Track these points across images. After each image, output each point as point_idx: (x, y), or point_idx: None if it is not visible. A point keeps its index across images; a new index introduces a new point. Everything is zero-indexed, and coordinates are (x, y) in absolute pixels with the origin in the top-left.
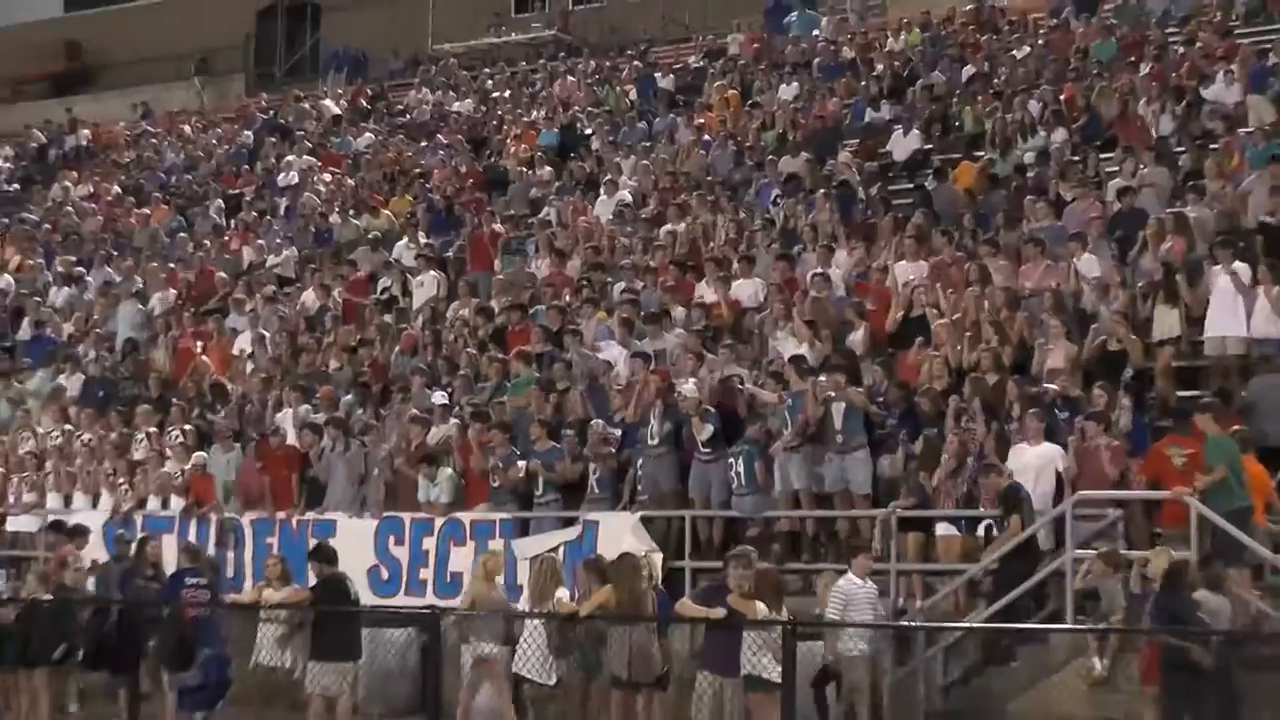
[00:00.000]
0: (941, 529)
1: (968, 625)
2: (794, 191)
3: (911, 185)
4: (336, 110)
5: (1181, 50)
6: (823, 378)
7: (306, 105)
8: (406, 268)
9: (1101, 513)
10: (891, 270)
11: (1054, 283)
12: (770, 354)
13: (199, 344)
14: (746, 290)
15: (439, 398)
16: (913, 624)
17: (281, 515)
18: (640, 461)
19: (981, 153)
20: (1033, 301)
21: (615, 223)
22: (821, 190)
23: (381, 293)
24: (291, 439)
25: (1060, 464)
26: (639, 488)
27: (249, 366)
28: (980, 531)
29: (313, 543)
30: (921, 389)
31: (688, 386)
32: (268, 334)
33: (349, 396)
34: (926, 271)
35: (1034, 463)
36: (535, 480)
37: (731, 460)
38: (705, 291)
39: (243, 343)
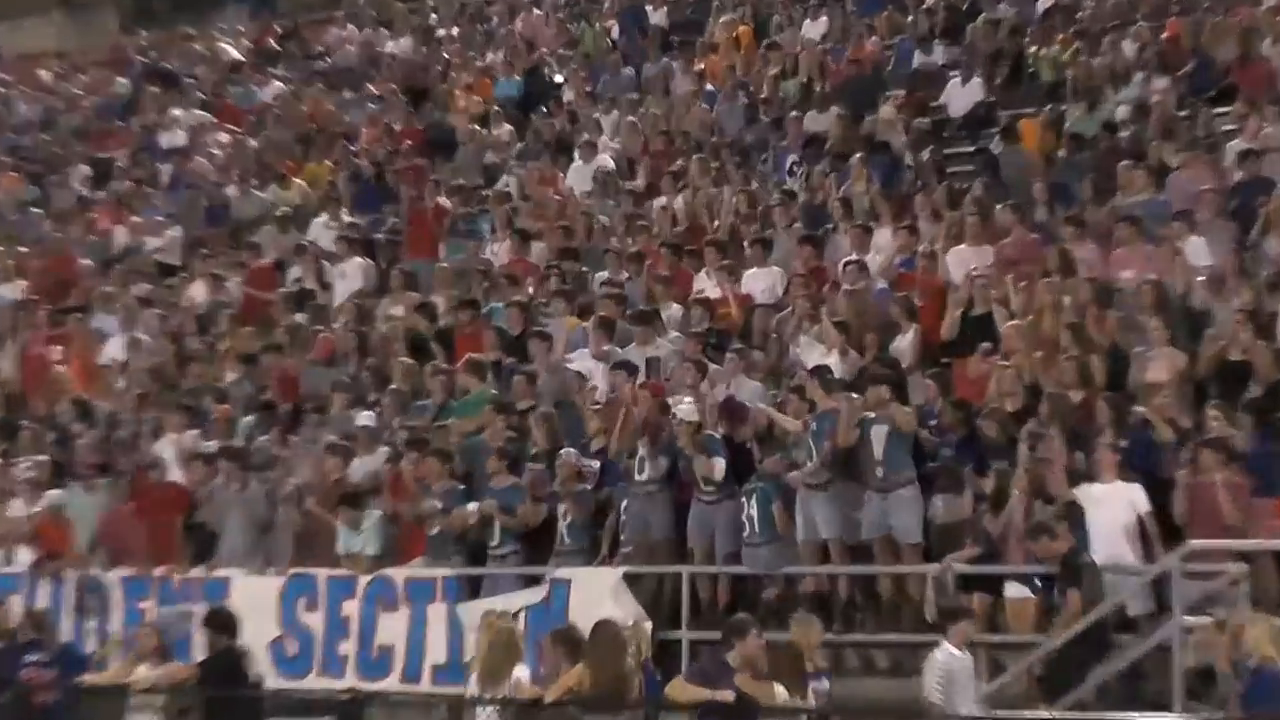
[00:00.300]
0: (1011, 589)
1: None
2: (821, 157)
3: (972, 148)
4: (236, 53)
5: None
6: (854, 395)
7: (198, 46)
8: (324, 253)
9: (1219, 569)
10: (945, 257)
11: (1155, 273)
12: (791, 364)
13: (56, 351)
14: (761, 282)
15: (365, 419)
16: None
17: (160, 572)
18: (625, 503)
19: (1061, 106)
20: (1128, 297)
21: (593, 196)
22: (857, 155)
23: (293, 285)
24: (175, 474)
25: (1142, 507)
26: (622, 536)
27: (120, 380)
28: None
29: (200, 607)
30: (986, 409)
31: (684, 407)
32: (145, 338)
33: (249, 419)
34: (991, 258)
35: (1106, 507)
36: (489, 527)
37: (743, 501)
38: (707, 284)
39: (113, 349)
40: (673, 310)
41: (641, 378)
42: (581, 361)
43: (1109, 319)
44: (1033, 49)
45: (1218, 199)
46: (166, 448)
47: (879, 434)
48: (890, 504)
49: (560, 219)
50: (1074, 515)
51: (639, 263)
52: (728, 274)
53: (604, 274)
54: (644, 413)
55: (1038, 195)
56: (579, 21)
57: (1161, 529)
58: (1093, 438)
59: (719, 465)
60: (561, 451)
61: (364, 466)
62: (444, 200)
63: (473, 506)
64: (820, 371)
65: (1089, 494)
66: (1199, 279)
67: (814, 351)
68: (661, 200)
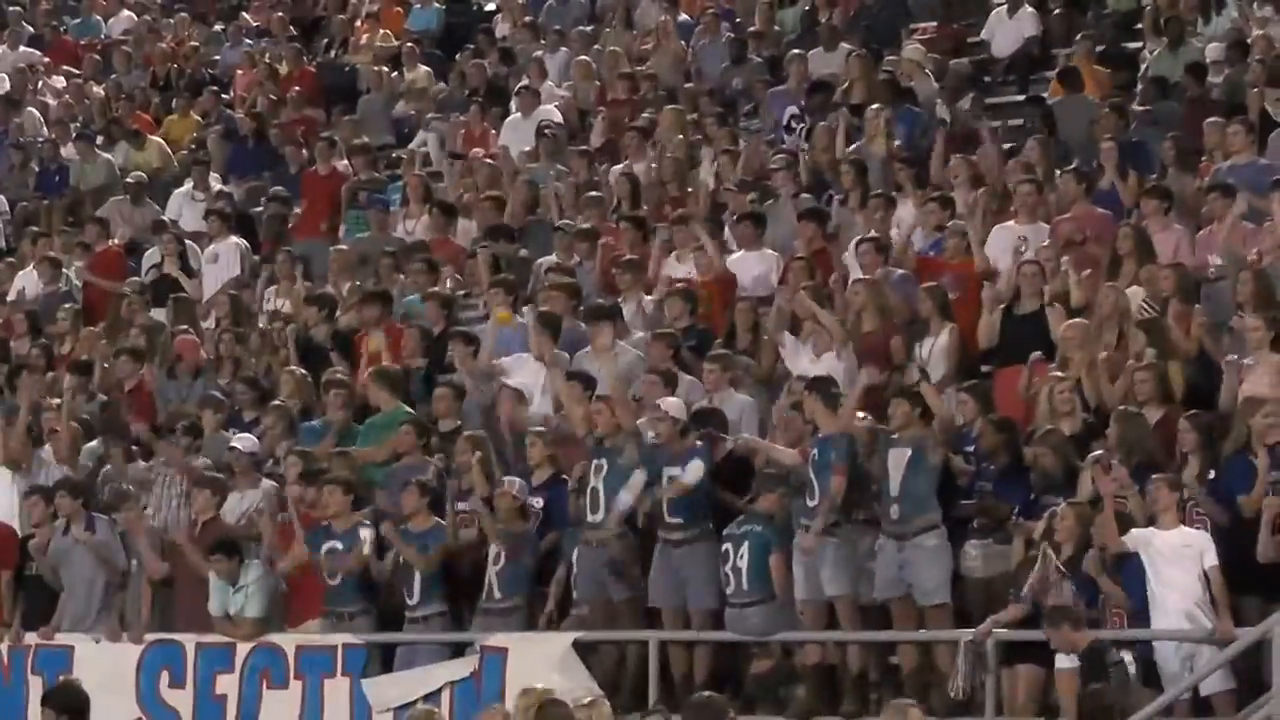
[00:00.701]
0: (1063, 660)
1: None
2: (829, 107)
3: (1022, 97)
4: None
5: None
6: (862, 414)
7: None
8: (188, 233)
9: None
10: (986, 237)
11: (1256, 255)
12: (787, 373)
13: None
14: (752, 268)
15: (244, 444)
16: None
17: None
18: (577, 551)
19: (1137, 44)
20: (1221, 289)
21: (535, 158)
22: (874, 106)
23: (148, 272)
24: (2, 514)
25: (1208, 560)
26: (574, 593)
27: None
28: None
29: (37, 682)
30: (1039, 433)
31: (671, 401)
32: None
33: (93, 444)
34: (1046, 239)
35: (1168, 562)
36: (406, 579)
37: (727, 548)
38: (678, 268)
39: None
40: (639, 302)
41: (597, 391)
42: (519, 370)
43: (1196, 316)
44: None
45: None
46: None
47: (898, 461)
48: (910, 554)
49: (492, 188)
50: (1128, 573)
51: (592, 242)
52: (710, 249)
53: (549, 258)
54: (602, 434)
55: (1106, 158)
56: None
57: (1248, 580)
58: (1171, 467)
59: (695, 469)
60: (505, 479)
61: (242, 504)
62: (342, 164)
63: (367, 533)
64: (822, 385)
65: (1148, 543)
66: None
67: (802, 357)
68: (622, 165)
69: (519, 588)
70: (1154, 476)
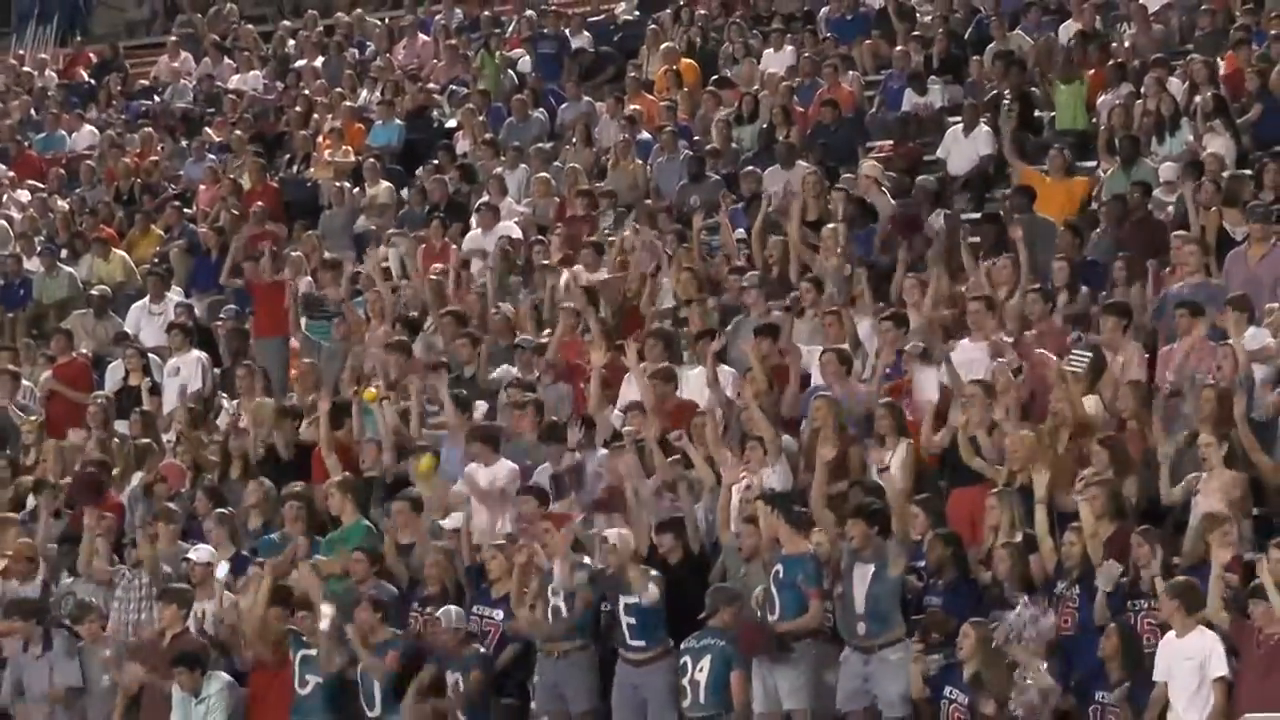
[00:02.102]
0: None
1: None
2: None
3: (978, 215)
4: (40, 83)
5: None
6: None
7: None
8: (148, 348)
9: None
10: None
11: (1214, 370)
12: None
13: None
14: (701, 386)
15: (199, 555)
16: None
17: None
18: (537, 663)
19: (1092, 163)
20: (1174, 404)
21: (492, 274)
22: (830, 226)
23: (114, 386)
24: None
25: (1213, 668)
26: (533, 706)
27: None
28: None
29: None
30: (986, 548)
31: (613, 532)
32: None
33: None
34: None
35: (1179, 667)
36: (367, 689)
37: (685, 661)
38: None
39: None
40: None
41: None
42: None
43: (1154, 427)
44: (1054, 89)
45: None
46: None
47: (862, 576)
48: (874, 668)
49: (444, 304)
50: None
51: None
52: (661, 379)
53: (510, 371)
54: (558, 549)
55: (1058, 277)
56: (477, 50)
57: None
58: (1125, 585)
59: (650, 594)
60: (440, 613)
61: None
62: (305, 280)
63: (328, 609)
64: (783, 501)
65: (1169, 649)
66: (1259, 374)
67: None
68: (580, 273)
69: (482, 715)
70: (1169, 583)
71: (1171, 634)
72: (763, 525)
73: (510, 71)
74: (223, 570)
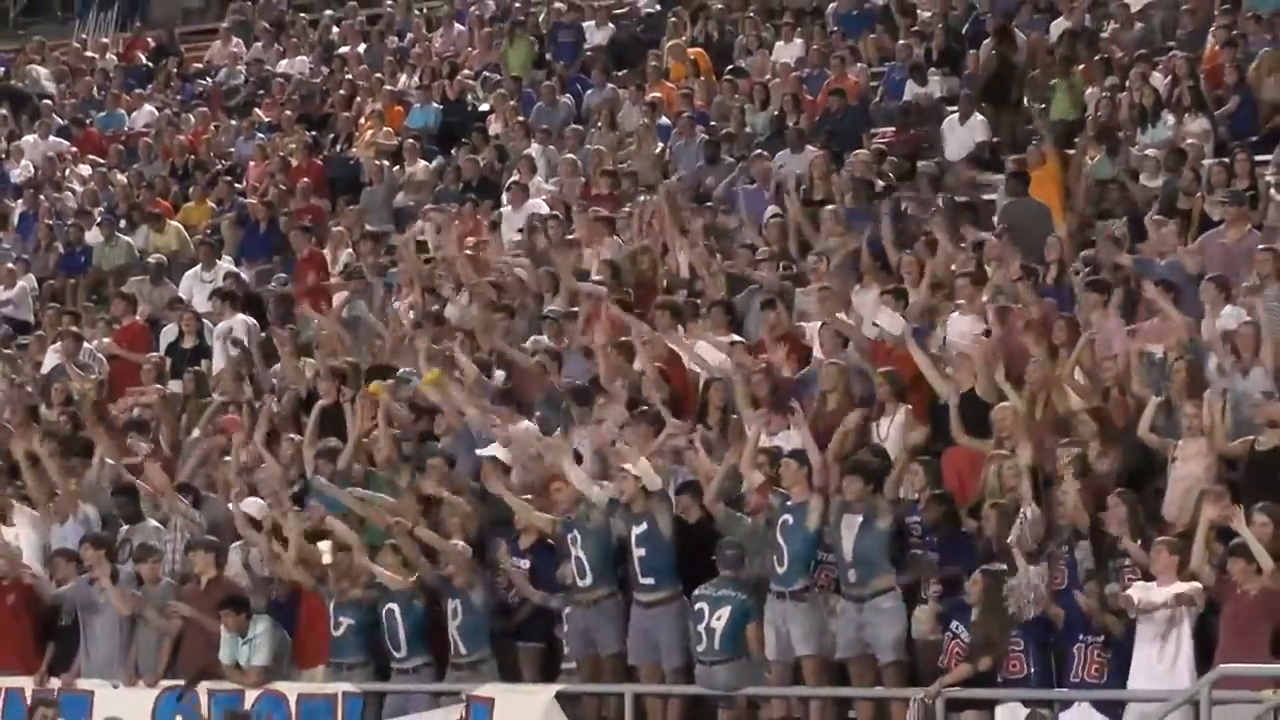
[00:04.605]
0: (1004, 714)
1: None
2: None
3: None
4: (102, 65)
5: None
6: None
7: (58, 59)
8: (201, 314)
9: (1255, 697)
10: (942, 327)
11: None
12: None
13: None
14: (715, 353)
15: (250, 508)
16: None
17: (13, 684)
18: (567, 613)
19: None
20: (1156, 374)
21: (519, 248)
22: (830, 208)
23: (166, 347)
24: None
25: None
26: (565, 649)
27: None
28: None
29: None
30: (988, 504)
31: (641, 463)
32: None
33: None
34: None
35: (1165, 614)
36: (393, 633)
37: (702, 607)
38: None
39: None
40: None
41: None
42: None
43: (1131, 397)
44: (1047, 81)
45: (1273, 261)
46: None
47: (850, 526)
48: (868, 616)
49: (484, 274)
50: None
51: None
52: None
53: (536, 340)
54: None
55: (1050, 253)
56: (509, 39)
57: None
58: (1105, 544)
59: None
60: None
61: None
62: (347, 252)
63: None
64: (801, 457)
65: (1148, 593)
66: (1221, 350)
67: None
68: (602, 251)
69: (480, 641)
70: (1157, 539)
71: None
72: (788, 480)
73: (531, 55)
74: (254, 507)
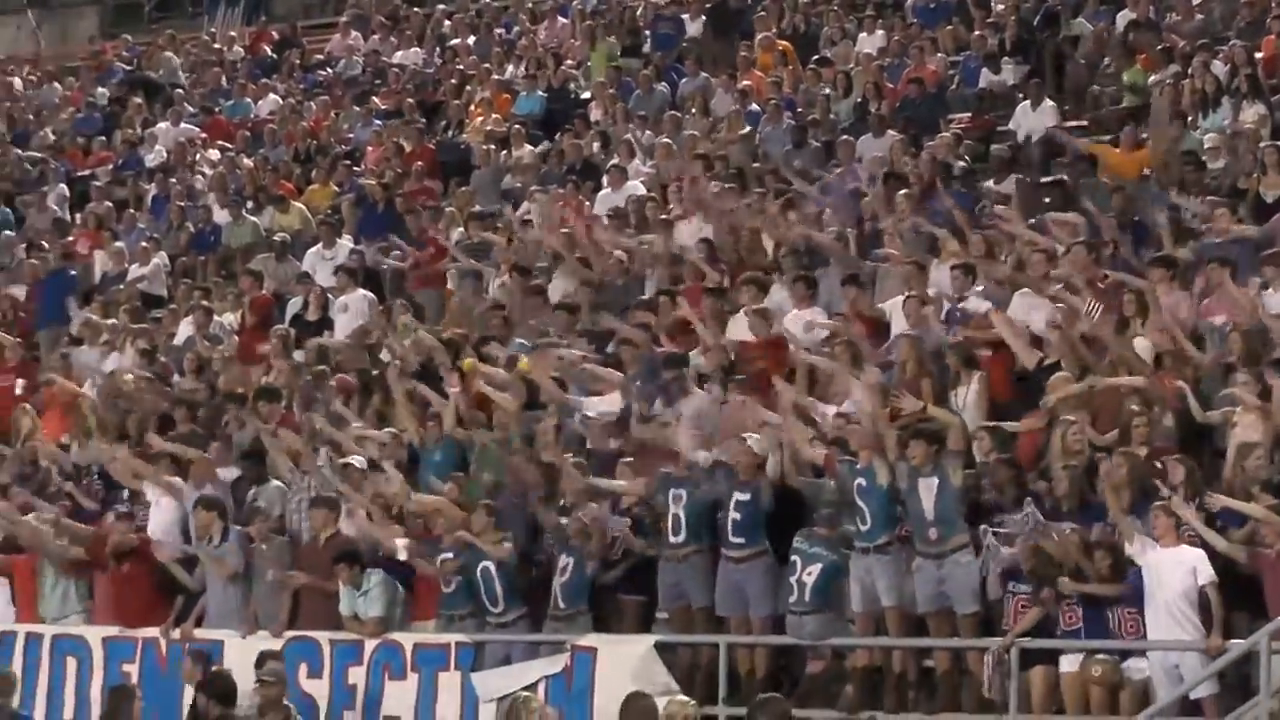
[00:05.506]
0: (1067, 663)
1: None
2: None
3: (1047, 179)
4: (229, 57)
5: None
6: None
7: (189, 51)
8: (325, 288)
9: None
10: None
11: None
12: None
13: (19, 385)
14: (802, 322)
15: (359, 463)
16: None
17: (151, 633)
18: (660, 567)
19: (1143, 134)
20: (1215, 348)
21: (613, 227)
22: (903, 192)
23: (290, 319)
24: (159, 523)
25: (1204, 576)
26: (659, 601)
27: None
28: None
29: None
30: (1053, 470)
31: (756, 439)
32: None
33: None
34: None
35: (1163, 575)
36: (489, 589)
37: (796, 559)
38: (736, 329)
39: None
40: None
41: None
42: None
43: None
44: (1114, 69)
45: None
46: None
47: (928, 488)
48: (947, 570)
49: (574, 251)
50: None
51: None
52: (759, 316)
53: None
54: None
55: (1112, 233)
56: (603, 32)
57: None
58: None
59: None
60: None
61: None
62: (459, 231)
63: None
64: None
65: (1144, 558)
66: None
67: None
68: (696, 228)
69: (581, 598)
70: (1155, 504)
71: (1155, 547)
72: (857, 444)
73: (617, 53)
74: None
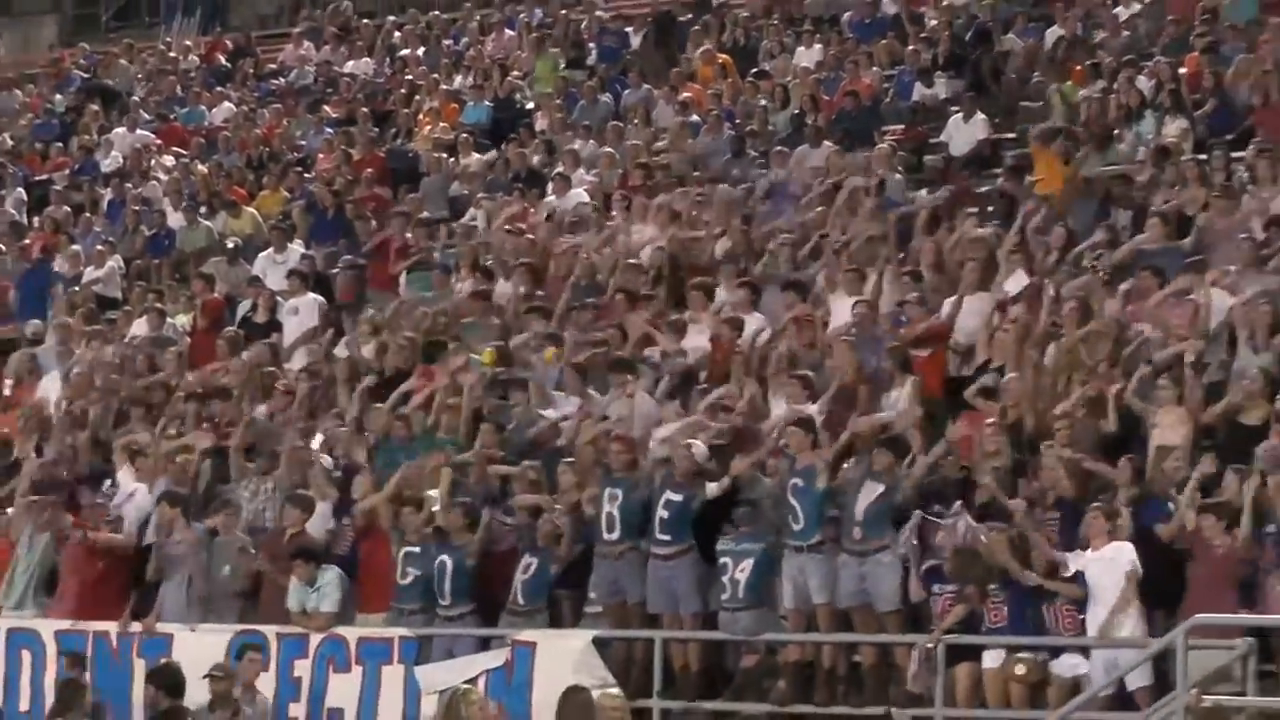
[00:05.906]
0: (990, 659)
1: None
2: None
3: (982, 188)
4: (185, 65)
5: None
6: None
7: (146, 59)
8: (276, 291)
9: (1225, 644)
10: (948, 307)
11: (1175, 328)
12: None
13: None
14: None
15: (327, 463)
16: None
17: (102, 626)
18: (595, 563)
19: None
20: (1142, 353)
21: (562, 232)
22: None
23: (241, 321)
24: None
25: (1125, 566)
26: (591, 595)
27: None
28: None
29: (140, 664)
30: (981, 466)
31: (699, 446)
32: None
33: (205, 464)
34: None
35: (1100, 573)
36: (440, 583)
37: (726, 560)
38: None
39: (48, 387)
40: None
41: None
42: (563, 406)
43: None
44: (1043, 84)
45: (1251, 248)
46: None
47: (870, 492)
48: (869, 568)
49: (529, 257)
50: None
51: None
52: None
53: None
54: (619, 463)
55: (1053, 241)
56: (549, 44)
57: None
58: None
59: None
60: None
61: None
62: (408, 235)
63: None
64: (807, 424)
65: (1081, 564)
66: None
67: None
68: (645, 231)
69: (540, 597)
70: (1092, 505)
71: (1085, 554)
72: (794, 446)
73: (561, 65)
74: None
